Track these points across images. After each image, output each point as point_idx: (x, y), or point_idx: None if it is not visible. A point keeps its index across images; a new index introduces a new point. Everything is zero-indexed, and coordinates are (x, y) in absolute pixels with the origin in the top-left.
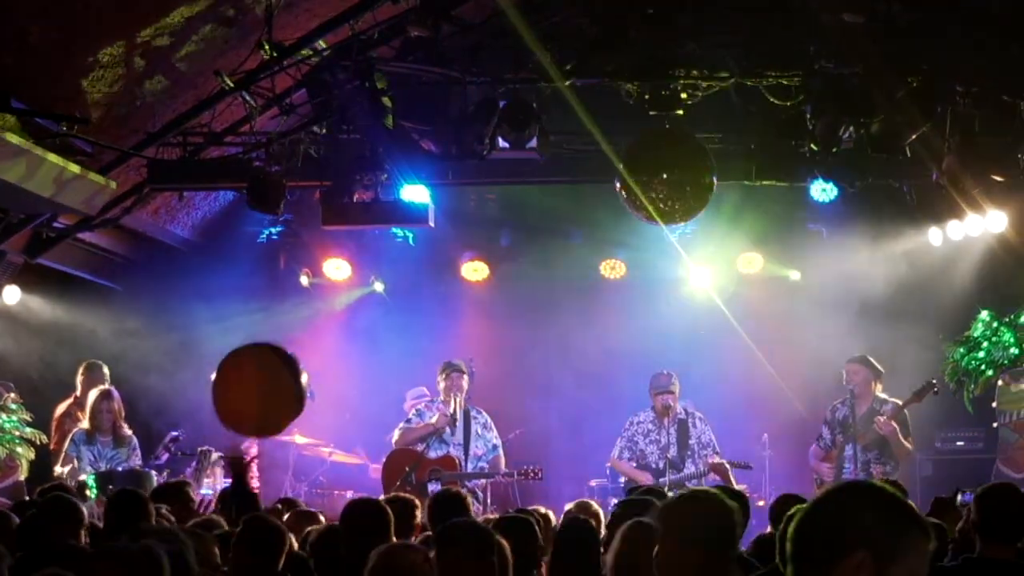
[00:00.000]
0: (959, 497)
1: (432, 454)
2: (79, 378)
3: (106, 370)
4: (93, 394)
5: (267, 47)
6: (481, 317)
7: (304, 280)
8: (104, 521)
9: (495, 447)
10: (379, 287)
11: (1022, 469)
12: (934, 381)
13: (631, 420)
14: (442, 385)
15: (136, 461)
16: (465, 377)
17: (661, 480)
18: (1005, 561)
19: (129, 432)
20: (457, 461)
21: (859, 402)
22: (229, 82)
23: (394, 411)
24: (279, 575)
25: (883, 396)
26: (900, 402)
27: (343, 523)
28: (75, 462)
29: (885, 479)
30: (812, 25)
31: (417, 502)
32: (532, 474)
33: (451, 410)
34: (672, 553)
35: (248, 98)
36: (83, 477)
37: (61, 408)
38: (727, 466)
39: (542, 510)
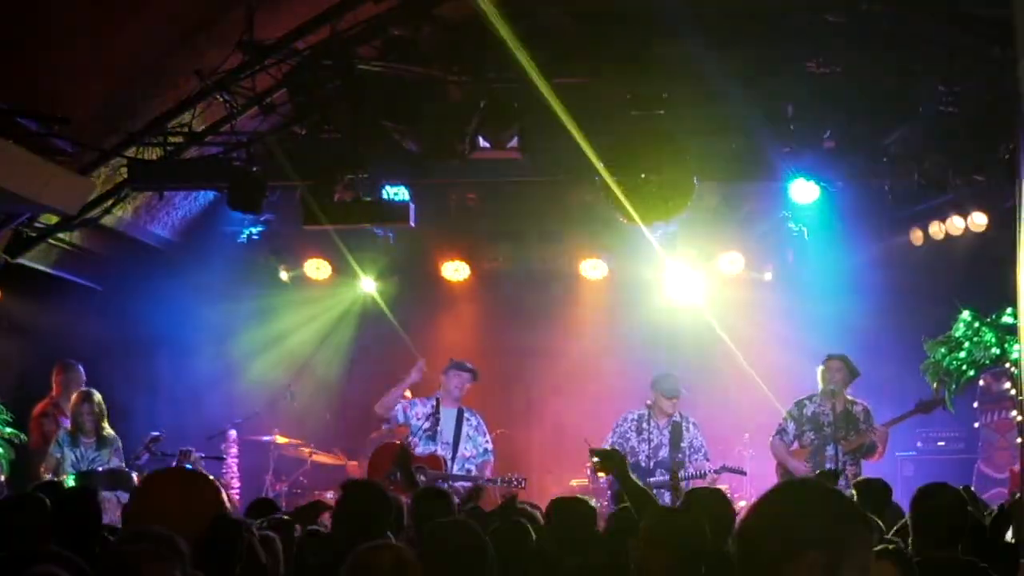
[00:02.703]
0: None
1: (419, 451)
2: (54, 378)
3: (81, 369)
4: (74, 397)
5: (247, 47)
6: (461, 317)
7: (284, 275)
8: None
9: (487, 451)
10: (369, 287)
11: (1003, 469)
12: (944, 399)
13: (625, 416)
14: (444, 381)
15: (118, 461)
16: (469, 380)
17: (649, 480)
18: (949, 562)
19: (112, 432)
20: (443, 460)
21: (836, 401)
22: (209, 82)
23: (374, 411)
24: None
25: (851, 397)
26: (867, 404)
27: (340, 505)
28: (59, 463)
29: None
30: (794, 25)
31: (403, 501)
32: (516, 483)
33: (434, 406)
34: None
35: (228, 98)
36: (64, 477)
37: (38, 408)
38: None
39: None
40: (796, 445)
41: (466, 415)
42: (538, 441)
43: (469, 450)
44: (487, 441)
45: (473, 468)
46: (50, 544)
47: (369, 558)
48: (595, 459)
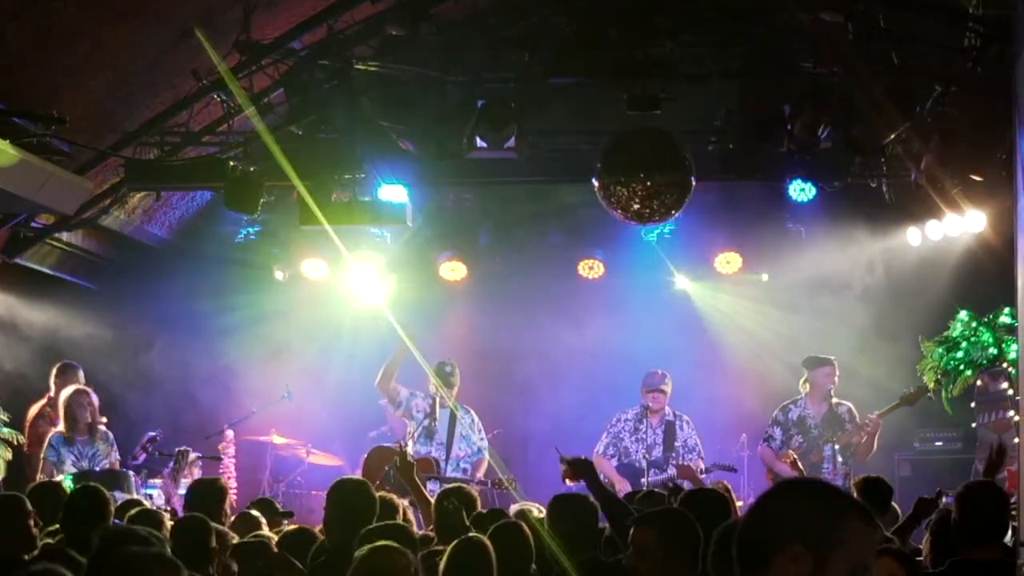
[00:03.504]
0: (943, 499)
1: (414, 453)
2: (53, 379)
3: (80, 371)
4: (66, 393)
5: (245, 47)
6: (459, 317)
7: (280, 275)
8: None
9: (480, 450)
10: (368, 286)
11: (1001, 470)
12: (928, 387)
13: (618, 416)
14: (432, 386)
15: (115, 456)
16: (456, 381)
17: (643, 480)
18: (991, 562)
19: (105, 428)
20: (435, 463)
21: (824, 403)
22: (206, 82)
23: (372, 411)
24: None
25: (836, 399)
26: (851, 404)
27: (329, 503)
28: (55, 466)
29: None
30: (791, 25)
31: (398, 502)
32: (507, 484)
33: (431, 405)
34: None
35: (226, 98)
36: (60, 477)
37: (34, 409)
38: (693, 468)
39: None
40: (785, 451)
41: (460, 413)
42: (535, 441)
43: (463, 449)
44: (482, 439)
45: (468, 467)
46: (34, 544)
47: (374, 559)
48: (564, 467)
